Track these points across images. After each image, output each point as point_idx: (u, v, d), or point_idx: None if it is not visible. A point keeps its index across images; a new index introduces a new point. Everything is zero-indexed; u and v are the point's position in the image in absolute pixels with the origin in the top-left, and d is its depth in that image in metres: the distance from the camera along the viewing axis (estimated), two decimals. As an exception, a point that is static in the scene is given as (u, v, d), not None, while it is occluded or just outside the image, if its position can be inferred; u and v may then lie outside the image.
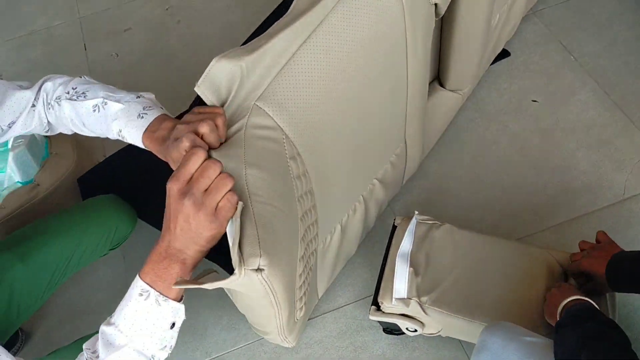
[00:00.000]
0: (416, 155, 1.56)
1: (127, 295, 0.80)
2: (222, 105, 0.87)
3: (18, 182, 1.54)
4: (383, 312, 1.32)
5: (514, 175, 1.68)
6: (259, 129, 0.89)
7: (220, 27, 2.21)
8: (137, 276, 0.80)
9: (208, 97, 0.85)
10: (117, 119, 0.94)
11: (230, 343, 1.51)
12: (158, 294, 0.78)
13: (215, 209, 0.76)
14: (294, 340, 1.27)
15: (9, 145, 1.51)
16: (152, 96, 0.99)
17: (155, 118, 0.93)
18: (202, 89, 0.84)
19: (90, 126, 0.98)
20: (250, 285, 0.86)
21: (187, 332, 1.53)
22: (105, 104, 0.95)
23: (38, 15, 2.42)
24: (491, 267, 1.29)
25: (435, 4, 1.16)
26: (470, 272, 1.29)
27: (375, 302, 1.34)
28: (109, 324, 0.80)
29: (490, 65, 1.87)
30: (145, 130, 0.92)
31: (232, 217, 0.79)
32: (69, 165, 1.62)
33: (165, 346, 0.82)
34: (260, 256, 0.81)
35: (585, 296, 1.04)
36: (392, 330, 1.43)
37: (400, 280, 1.28)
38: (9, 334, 1.22)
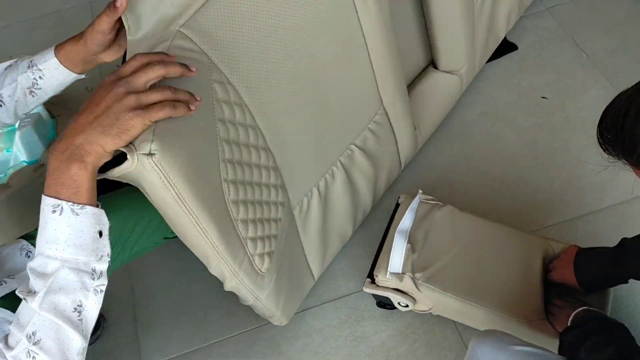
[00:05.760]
0: (407, 132, 1.52)
1: (40, 220, 0.73)
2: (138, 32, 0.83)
3: (24, 161, 1.55)
4: (377, 285, 1.33)
5: (520, 171, 1.66)
6: (183, 51, 0.86)
7: None
8: (43, 195, 0.73)
9: (128, 22, 0.82)
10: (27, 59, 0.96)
11: (228, 329, 1.50)
12: (71, 203, 0.72)
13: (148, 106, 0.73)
14: (274, 307, 1.24)
15: (16, 125, 1.52)
16: None
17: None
18: (127, 16, 0.81)
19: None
20: (146, 177, 0.81)
21: (186, 316, 1.50)
22: (24, 60, 0.97)
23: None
24: (488, 251, 1.28)
25: None
26: (467, 253, 1.28)
27: (370, 275, 1.34)
28: (33, 258, 0.74)
29: (499, 58, 1.87)
30: (55, 46, 0.94)
31: (160, 118, 0.75)
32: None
33: (102, 256, 0.77)
34: (153, 141, 0.77)
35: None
36: (384, 304, 1.44)
37: (397, 255, 1.28)
38: None
